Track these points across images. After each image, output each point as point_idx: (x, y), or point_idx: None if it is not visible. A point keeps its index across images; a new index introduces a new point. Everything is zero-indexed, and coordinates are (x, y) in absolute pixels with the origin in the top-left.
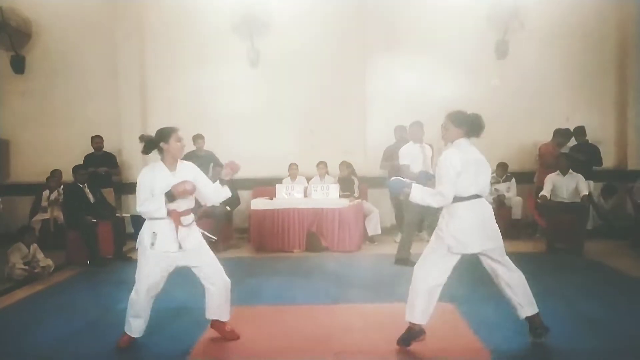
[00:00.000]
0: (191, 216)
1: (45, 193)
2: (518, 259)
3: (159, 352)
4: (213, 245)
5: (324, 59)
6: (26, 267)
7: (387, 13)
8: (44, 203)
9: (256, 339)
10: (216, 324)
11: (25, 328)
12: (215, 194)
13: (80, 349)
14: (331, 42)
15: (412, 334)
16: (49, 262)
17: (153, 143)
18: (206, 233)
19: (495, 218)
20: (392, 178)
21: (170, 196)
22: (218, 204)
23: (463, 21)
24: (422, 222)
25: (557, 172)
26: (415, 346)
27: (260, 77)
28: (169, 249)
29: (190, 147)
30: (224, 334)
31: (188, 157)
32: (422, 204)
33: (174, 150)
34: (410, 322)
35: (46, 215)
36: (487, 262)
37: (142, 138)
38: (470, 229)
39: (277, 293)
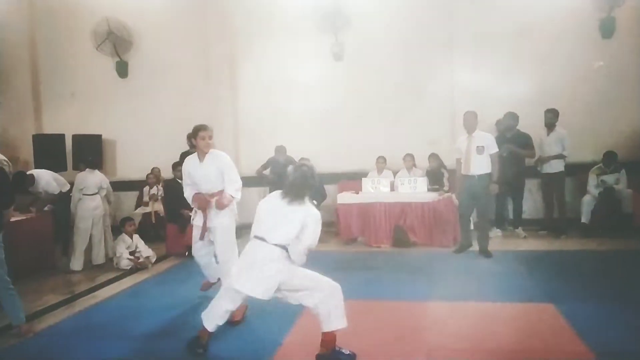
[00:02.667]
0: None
1: (146, 189)
2: (631, 257)
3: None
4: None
5: (409, 49)
6: (132, 257)
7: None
8: (146, 198)
9: (346, 334)
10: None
11: (132, 314)
12: (233, 191)
13: (181, 333)
14: (417, 31)
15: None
16: (151, 252)
17: (190, 140)
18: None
19: (604, 212)
20: None
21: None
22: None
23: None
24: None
25: None
26: (514, 346)
27: (345, 70)
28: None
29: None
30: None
31: None
32: None
33: (200, 145)
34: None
35: (148, 209)
36: None
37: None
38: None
39: (365, 288)
